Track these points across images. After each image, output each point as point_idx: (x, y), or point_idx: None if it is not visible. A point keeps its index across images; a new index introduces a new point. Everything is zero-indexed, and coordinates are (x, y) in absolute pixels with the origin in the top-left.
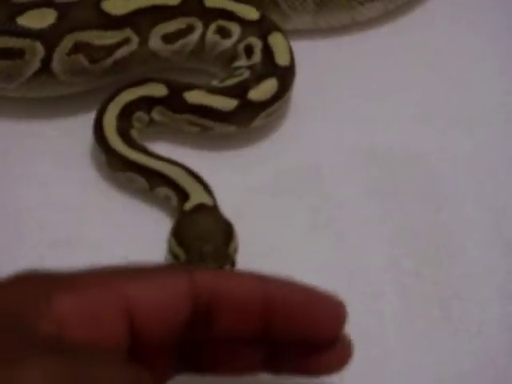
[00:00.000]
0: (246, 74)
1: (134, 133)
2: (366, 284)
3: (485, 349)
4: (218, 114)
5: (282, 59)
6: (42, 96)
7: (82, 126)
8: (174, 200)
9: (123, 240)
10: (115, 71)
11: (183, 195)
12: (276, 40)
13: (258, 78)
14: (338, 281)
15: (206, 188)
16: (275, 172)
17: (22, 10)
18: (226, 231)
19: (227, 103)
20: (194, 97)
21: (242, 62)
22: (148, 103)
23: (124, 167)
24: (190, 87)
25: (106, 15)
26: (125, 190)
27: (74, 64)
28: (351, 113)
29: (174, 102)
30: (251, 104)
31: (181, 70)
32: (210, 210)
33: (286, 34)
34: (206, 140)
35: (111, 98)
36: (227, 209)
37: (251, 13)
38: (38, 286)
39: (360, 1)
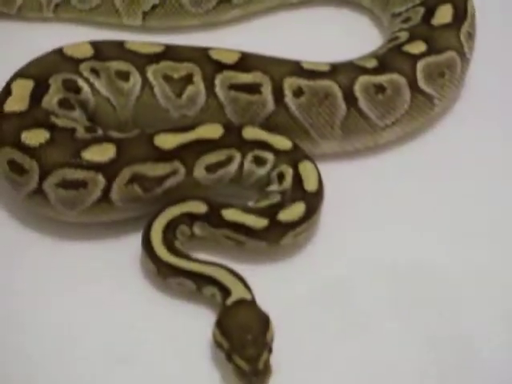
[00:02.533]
0: (278, 198)
1: (178, 244)
2: None
3: None
4: (250, 231)
5: (310, 185)
6: (99, 221)
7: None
8: (219, 297)
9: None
10: (165, 199)
11: (226, 292)
12: (305, 168)
13: (288, 201)
14: None
15: (245, 285)
16: (308, 284)
17: (86, 144)
18: (263, 322)
19: (259, 222)
20: (230, 214)
21: (275, 187)
22: (190, 219)
23: (172, 273)
24: (227, 206)
25: (158, 149)
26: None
27: (130, 193)
28: (377, 231)
29: (213, 218)
30: (280, 224)
31: (219, 195)
32: (249, 304)
33: (315, 163)
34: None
35: (157, 214)
36: None
37: (284, 143)
38: None
39: (382, 126)
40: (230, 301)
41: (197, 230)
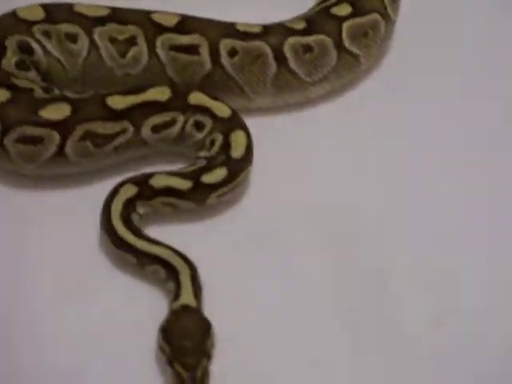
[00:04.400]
0: (204, 163)
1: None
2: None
3: None
4: (178, 192)
5: (236, 152)
6: (54, 174)
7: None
8: (163, 274)
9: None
10: (114, 155)
11: (173, 273)
12: (236, 136)
13: (213, 166)
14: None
15: (196, 288)
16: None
17: (44, 103)
18: (205, 330)
19: (183, 184)
20: (158, 181)
21: (204, 152)
22: (132, 203)
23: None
24: (153, 175)
25: (109, 109)
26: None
27: (83, 149)
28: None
29: (146, 192)
30: (203, 185)
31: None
32: (193, 311)
33: (249, 131)
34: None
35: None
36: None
37: (223, 110)
38: None
39: (310, 82)
40: (175, 305)
41: (140, 209)
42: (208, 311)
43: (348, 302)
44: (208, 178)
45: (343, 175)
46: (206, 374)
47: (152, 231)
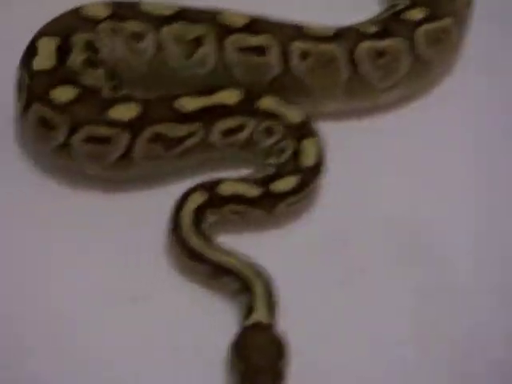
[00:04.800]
0: (273, 170)
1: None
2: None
3: None
4: (246, 199)
5: (307, 161)
6: (119, 177)
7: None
8: (244, 299)
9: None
10: (181, 159)
11: (248, 308)
12: (308, 143)
13: (282, 173)
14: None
15: (270, 303)
16: (308, 240)
17: (112, 103)
18: (279, 349)
19: (252, 191)
20: (226, 189)
21: (273, 159)
22: (202, 211)
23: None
24: (220, 181)
25: (179, 111)
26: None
27: (151, 151)
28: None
29: (215, 200)
30: (272, 194)
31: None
32: (266, 328)
33: (320, 138)
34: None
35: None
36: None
37: (295, 117)
38: None
39: (381, 89)
40: (248, 322)
41: (210, 218)
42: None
43: (424, 317)
44: (277, 186)
45: (417, 186)
46: None
47: (219, 241)
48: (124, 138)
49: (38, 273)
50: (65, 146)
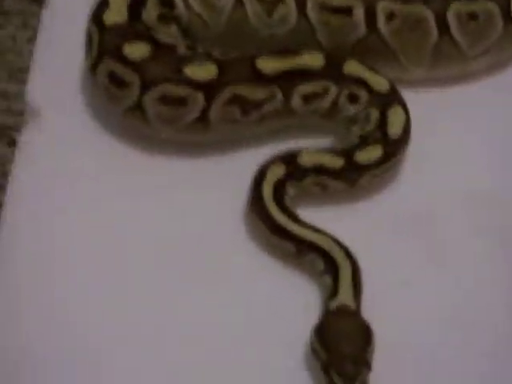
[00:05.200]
0: (357, 140)
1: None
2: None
3: None
4: (328, 171)
5: (393, 130)
6: (194, 141)
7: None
8: (328, 280)
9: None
10: (260, 124)
11: (334, 290)
12: (394, 112)
13: (366, 143)
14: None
15: (356, 287)
16: (393, 215)
17: (188, 61)
18: (366, 336)
19: (335, 162)
20: (307, 159)
21: (357, 128)
22: (282, 184)
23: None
24: (300, 152)
25: (259, 72)
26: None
27: (228, 114)
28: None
29: (295, 172)
30: (356, 165)
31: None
32: (352, 314)
33: (407, 108)
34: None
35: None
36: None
37: (382, 84)
38: None
39: (471, 55)
40: (332, 305)
41: (290, 191)
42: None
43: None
44: (362, 157)
45: (506, 160)
46: None
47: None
48: (200, 99)
49: (112, 236)
50: (137, 106)
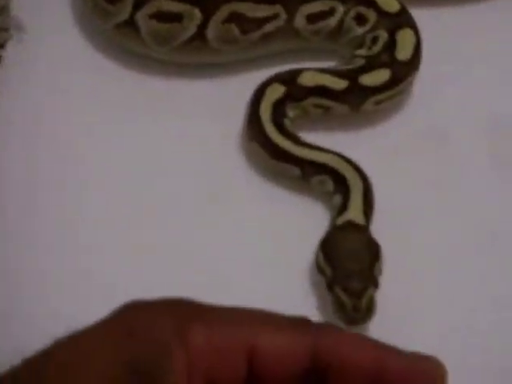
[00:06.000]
0: (362, 62)
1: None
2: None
3: None
4: (331, 92)
5: (402, 54)
6: (191, 61)
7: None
8: (338, 200)
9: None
10: (261, 45)
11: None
12: (404, 35)
13: (372, 66)
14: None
15: (367, 204)
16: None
17: None
18: (373, 252)
19: (338, 83)
20: (308, 79)
21: (363, 50)
22: (282, 105)
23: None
24: (301, 71)
25: None
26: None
27: (227, 32)
28: (480, 80)
29: (295, 92)
30: (360, 87)
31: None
32: (361, 229)
33: (418, 31)
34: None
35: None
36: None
37: (392, 4)
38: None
39: None
40: (340, 220)
41: (290, 112)
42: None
43: None
44: (367, 80)
45: None
46: (371, 305)
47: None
48: (197, 16)
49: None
50: (129, 22)
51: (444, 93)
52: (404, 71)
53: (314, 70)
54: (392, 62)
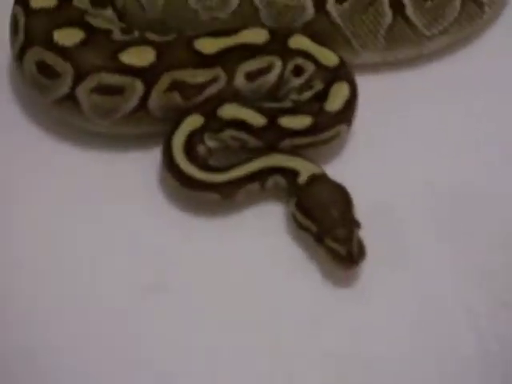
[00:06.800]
0: (289, 104)
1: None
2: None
3: None
4: (249, 127)
5: (330, 105)
6: (132, 133)
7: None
8: (283, 181)
9: None
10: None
11: (291, 173)
12: (337, 88)
13: (296, 110)
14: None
15: (306, 159)
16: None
17: (124, 46)
18: (345, 195)
19: (256, 119)
20: (227, 112)
21: (294, 95)
22: (200, 135)
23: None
24: (222, 103)
25: (199, 54)
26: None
27: (169, 101)
28: (416, 147)
29: (213, 123)
30: (278, 128)
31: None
32: (323, 178)
33: (355, 86)
34: None
35: (170, 144)
36: None
37: (331, 59)
38: None
39: (428, 36)
40: (302, 179)
41: (209, 142)
42: None
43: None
44: (286, 122)
45: (461, 147)
46: (362, 246)
47: None
48: (139, 87)
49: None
50: (69, 97)
51: (379, 153)
52: (329, 122)
53: (237, 103)
54: (318, 111)
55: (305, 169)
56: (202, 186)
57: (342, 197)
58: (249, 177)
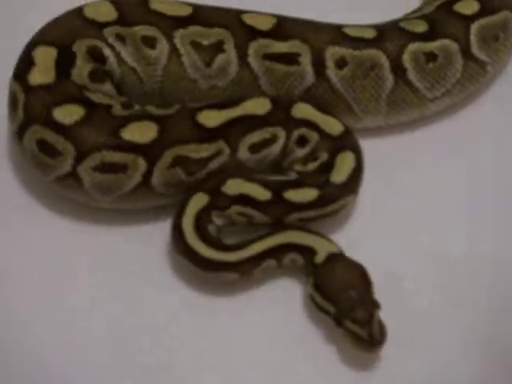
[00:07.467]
0: (294, 177)
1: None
2: None
3: None
4: (255, 202)
5: (336, 177)
6: (135, 208)
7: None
8: (300, 259)
9: None
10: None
11: (308, 251)
12: (343, 158)
13: (302, 183)
14: None
15: (323, 236)
16: None
17: (125, 122)
18: (363, 275)
19: (262, 193)
20: (232, 188)
21: (299, 166)
22: (207, 215)
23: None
24: (225, 180)
25: (202, 128)
26: None
27: (172, 177)
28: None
29: (219, 201)
30: (284, 202)
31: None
32: (341, 258)
33: (361, 154)
34: None
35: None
36: None
37: (335, 127)
38: None
39: (431, 98)
40: (319, 258)
41: (217, 220)
42: None
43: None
44: (292, 195)
45: (467, 212)
46: (382, 327)
47: None
48: (141, 164)
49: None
50: (70, 175)
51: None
52: (336, 194)
53: (240, 178)
54: (324, 183)
55: (322, 247)
56: (221, 266)
57: (360, 277)
58: (266, 253)
